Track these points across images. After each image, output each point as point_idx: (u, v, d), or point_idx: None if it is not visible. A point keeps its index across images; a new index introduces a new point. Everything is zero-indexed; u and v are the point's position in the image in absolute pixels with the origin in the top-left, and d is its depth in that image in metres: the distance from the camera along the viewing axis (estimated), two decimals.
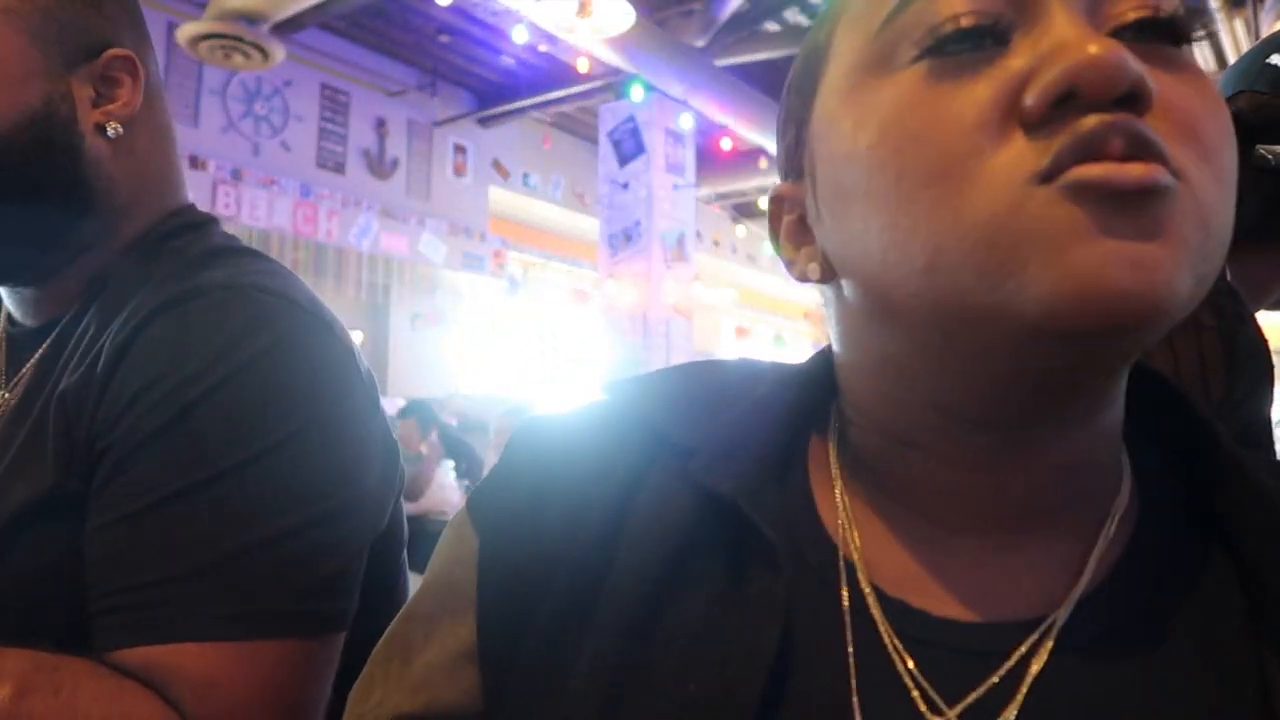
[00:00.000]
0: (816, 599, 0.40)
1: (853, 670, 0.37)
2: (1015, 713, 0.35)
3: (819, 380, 0.46)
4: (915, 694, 0.37)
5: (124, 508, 0.62)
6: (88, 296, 0.73)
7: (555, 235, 7.73)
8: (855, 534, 0.41)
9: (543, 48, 5.54)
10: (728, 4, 5.47)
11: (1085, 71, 0.32)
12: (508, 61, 6.18)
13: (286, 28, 4.63)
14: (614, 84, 5.83)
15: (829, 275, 0.42)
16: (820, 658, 0.38)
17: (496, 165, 7.16)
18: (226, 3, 4.31)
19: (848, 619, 0.39)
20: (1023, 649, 0.37)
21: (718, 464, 0.42)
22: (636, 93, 5.72)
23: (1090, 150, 0.32)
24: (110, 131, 0.73)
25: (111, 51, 0.73)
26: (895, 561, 0.40)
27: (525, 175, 7.34)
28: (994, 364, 0.36)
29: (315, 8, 4.50)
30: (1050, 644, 0.37)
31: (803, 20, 6.01)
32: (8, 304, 0.78)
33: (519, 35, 5.10)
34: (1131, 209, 0.32)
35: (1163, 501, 0.41)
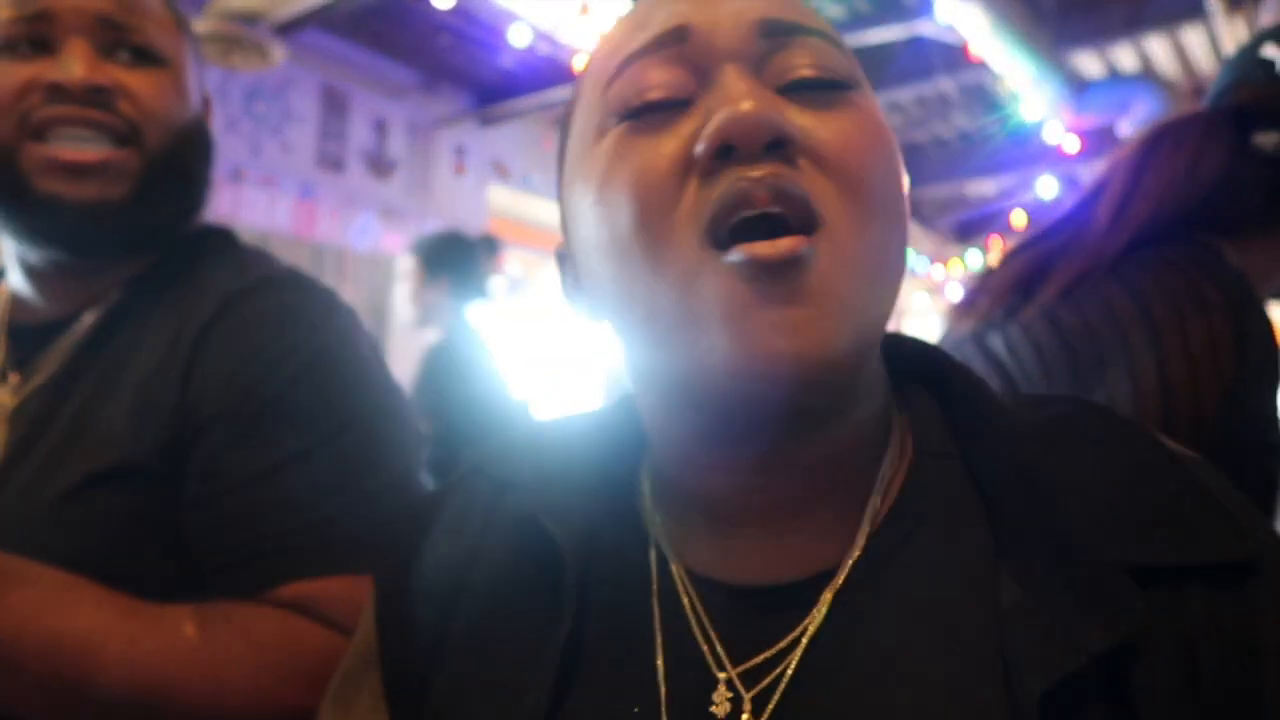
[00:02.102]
0: (632, 587, 0.46)
1: (659, 639, 0.44)
2: (794, 663, 0.41)
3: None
4: (707, 653, 0.42)
5: (253, 468, 0.69)
6: (130, 289, 0.79)
7: (556, 235, 7.71)
8: (665, 535, 0.48)
9: (543, 48, 5.54)
10: None
11: (733, 126, 0.38)
12: (508, 61, 6.18)
13: (286, 28, 4.62)
14: None
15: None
16: (630, 633, 0.45)
17: (496, 165, 7.15)
18: (226, 3, 4.31)
19: (656, 598, 0.45)
20: (806, 604, 0.43)
21: (531, 491, 0.48)
22: None
23: (735, 203, 0.38)
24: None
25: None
26: (700, 553, 0.47)
27: (525, 175, 7.34)
28: (710, 406, 0.42)
29: (315, 8, 4.49)
30: (829, 597, 0.43)
31: None
32: (23, 294, 0.80)
33: (519, 35, 5.10)
34: (781, 280, 0.38)
35: (931, 446, 0.47)
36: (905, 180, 0.44)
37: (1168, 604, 0.38)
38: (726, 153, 0.39)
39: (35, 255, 0.78)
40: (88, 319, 0.78)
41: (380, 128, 6.51)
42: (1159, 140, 0.87)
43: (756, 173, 0.38)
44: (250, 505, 0.68)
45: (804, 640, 0.41)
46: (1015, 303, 0.85)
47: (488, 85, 6.64)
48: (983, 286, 0.90)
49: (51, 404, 0.74)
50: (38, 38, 0.74)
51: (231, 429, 0.69)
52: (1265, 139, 0.84)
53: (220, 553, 0.68)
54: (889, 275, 0.41)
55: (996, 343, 0.83)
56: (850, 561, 0.43)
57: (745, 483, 0.45)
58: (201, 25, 4.37)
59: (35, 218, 0.74)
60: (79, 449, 0.70)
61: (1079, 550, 0.40)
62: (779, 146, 0.39)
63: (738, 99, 0.39)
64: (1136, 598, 0.38)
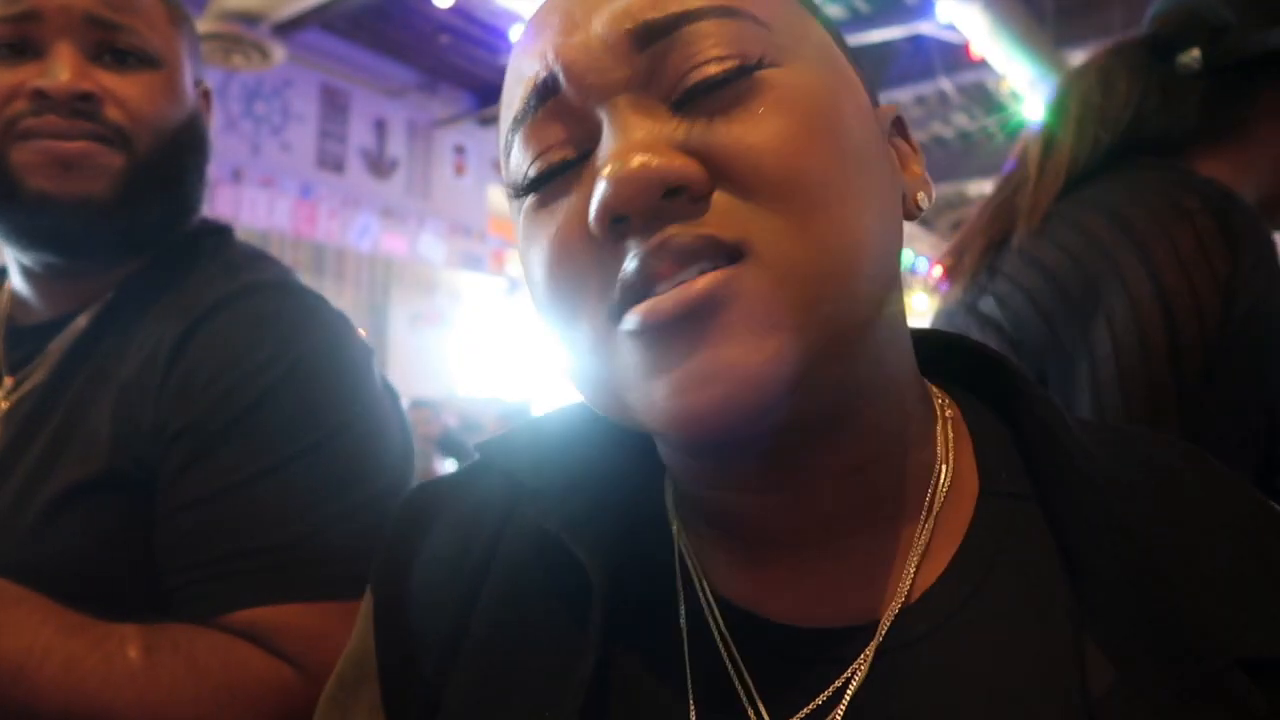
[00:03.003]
0: (659, 610, 0.41)
1: (689, 675, 0.39)
2: None
3: None
4: (743, 698, 0.38)
5: (215, 484, 0.66)
6: (123, 291, 0.77)
7: None
8: (696, 558, 0.43)
9: None
10: None
11: (612, 200, 0.33)
12: (508, 61, 6.18)
13: (286, 28, 4.62)
14: None
15: None
16: (659, 665, 0.40)
17: (496, 165, 7.14)
18: (226, 3, 4.31)
19: (685, 636, 0.40)
20: (850, 655, 0.37)
21: (554, 503, 0.43)
22: None
23: (643, 280, 0.34)
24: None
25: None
26: (734, 580, 0.41)
27: None
28: (671, 440, 0.38)
29: (315, 8, 4.49)
30: (873, 651, 0.37)
31: None
32: (22, 295, 0.81)
33: (519, 35, 5.10)
34: (687, 330, 0.33)
35: (1003, 483, 0.41)
36: (859, 131, 0.37)
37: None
38: (621, 219, 0.34)
39: (28, 258, 0.77)
40: (81, 321, 0.76)
41: (380, 128, 6.51)
42: (1074, 72, 0.92)
43: (654, 243, 0.34)
44: (209, 524, 0.66)
45: (846, 698, 0.37)
46: (996, 258, 0.85)
47: (488, 85, 6.64)
48: (964, 245, 0.91)
49: (42, 407, 0.73)
50: (24, 39, 0.72)
51: (198, 443, 0.67)
52: (1187, 58, 0.85)
53: (178, 571, 0.66)
54: (854, 253, 0.35)
55: (988, 305, 0.83)
56: (895, 612, 0.38)
57: (759, 502, 0.40)
58: (201, 25, 4.37)
59: (25, 217, 0.72)
60: (65, 456, 0.69)
61: (1187, 633, 0.35)
62: (676, 192, 0.34)
63: (613, 159, 0.34)
64: (1254, 695, 0.34)
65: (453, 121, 6.75)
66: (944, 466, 0.41)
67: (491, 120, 6.93)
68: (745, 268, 0.33)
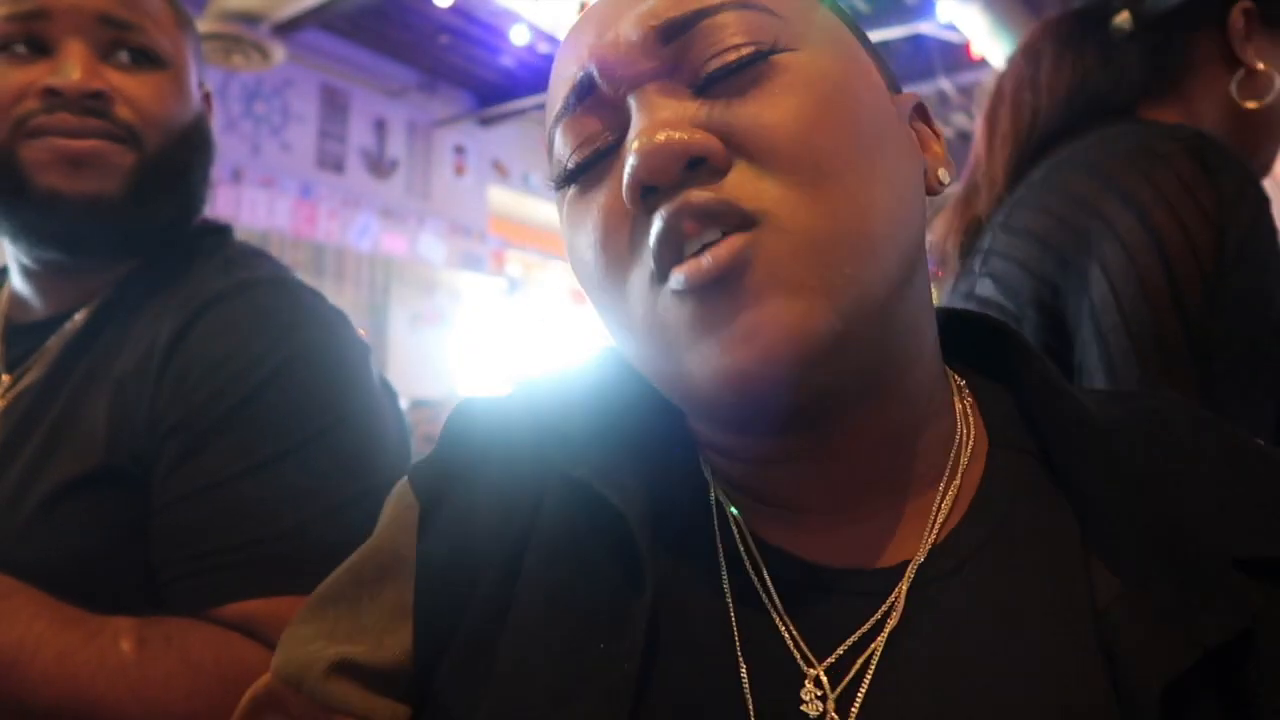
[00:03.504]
0: (696, 559, 0.43)
1: (735, 627, 0.41)
2: (877, 656, 0.39)
3: None
4: (788, 640, 0.40)
5: (210, 478, 0.67)
6: (121, 288, 0.78)
7: (555, 235, 7.70)
8: (727, 497, 0.45)
9: (543, 48, 5.54)
10: None
11: (640, 170, 0.37)
12: (508, 61, 6.18)
13: (286, 28, 4.62)
14: None
15: None
16: (702, 613, 0.41)
17: (496, 165, 7.15)
18: (226, 3, 4.31)
19: (725, 574, 0.42)
20: (886, 591, 0.40)
21: (582, 449, 0.45)
22: None
23: (670, 241, 0.37)
24: None
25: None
26: (769, 528, 0.44)
27: (525, 175, 7.34)
28: (717, 416, 0.41)
29: (315, 8, 4.49)
30: (905, 588, 0.40)
31: None
32: (22, 294, 0.80)
33: (519, 35, 5.10)
34: (724, 292, 0.36)
35: (1010, 438, 0.45)
36: (872, 109, 0.40)
37: (1276, 595, 0.38)
38: (651, 190, 0.38)
39: (30, 256, 0.77)
40: (79, 318, 0.77)
41: (380, 128, 6.51)
42: (1005, 60, 0.95)
43: (676, 205, 0.37)
44: (204, 517, 0.66)
45: (885, 631, 0.39)
46: (980, 240, 0.87)
47: (488, 85, 6.63)
48: (945, 233, 0.92)
49: (39, 404, 0.73)
50: (34, 37, 0.72)
51: (192, 438, 0.67)
52: (1119, 21, 0.86)
53: (173, 565, 0.66)
54: (868, 220, 0.37)
55: (985, 288, 0.83)
56: (926, 551, 0.41)
57: (792, 471, 0.43)
58: (202, 25, 4.37)
59: (35, 214, 0.72)
60: (61, 451, 0.69)
61: (1179, 541, 0.39)
62: (698, 164, 0.37)
63: (640, 135, 0.37)
64: (1249, 588, 0.37)
65: (453, 121, 6.75)
66: (964, 429, 0.45)
67: (491, 120, 6.93)
68: (763, 233, 0.36)
